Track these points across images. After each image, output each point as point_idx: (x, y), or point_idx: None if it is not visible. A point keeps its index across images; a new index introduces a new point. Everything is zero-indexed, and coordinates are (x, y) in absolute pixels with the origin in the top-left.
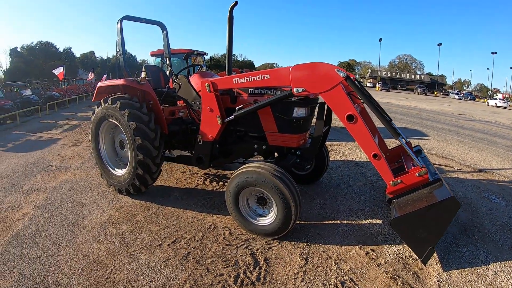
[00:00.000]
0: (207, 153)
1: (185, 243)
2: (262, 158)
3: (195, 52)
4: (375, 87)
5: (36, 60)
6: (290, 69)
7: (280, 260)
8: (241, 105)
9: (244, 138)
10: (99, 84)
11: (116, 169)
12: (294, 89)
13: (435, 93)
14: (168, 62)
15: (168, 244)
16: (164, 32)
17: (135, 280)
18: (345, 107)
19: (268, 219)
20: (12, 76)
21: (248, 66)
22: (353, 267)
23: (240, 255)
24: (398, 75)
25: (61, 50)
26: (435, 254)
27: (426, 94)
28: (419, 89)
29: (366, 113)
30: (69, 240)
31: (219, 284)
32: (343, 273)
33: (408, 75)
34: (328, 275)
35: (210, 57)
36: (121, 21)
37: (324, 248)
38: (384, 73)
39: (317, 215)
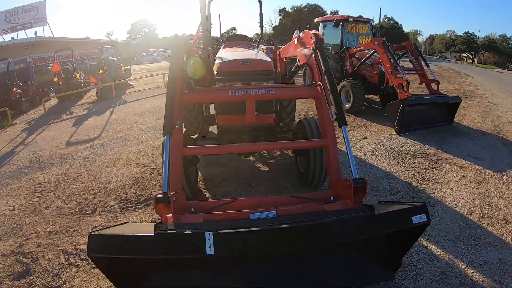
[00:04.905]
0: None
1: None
2: None
3: (351, 19)
4: None
5: (302, 20)
6: None
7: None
8: None
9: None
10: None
11: None
12: None
13: None
14: (260, 32)
15: (141, 169)
16: (259, 2)
17: (103, 171)
18: None
19: None
20: (279, 32)
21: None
22: None
23: (123, 201)
24: None
25: (328, 12)
26: None
27: None
28: None
29: (321, 97)
30: (115, 148)
31: (101, 204)
32: None
33: None
34: None
35: (382, 25)
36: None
37: None
38: None
39: None
